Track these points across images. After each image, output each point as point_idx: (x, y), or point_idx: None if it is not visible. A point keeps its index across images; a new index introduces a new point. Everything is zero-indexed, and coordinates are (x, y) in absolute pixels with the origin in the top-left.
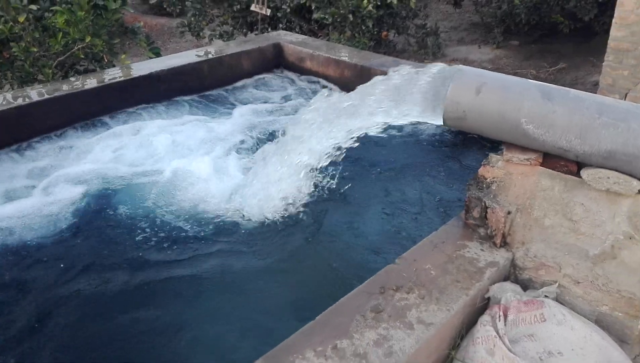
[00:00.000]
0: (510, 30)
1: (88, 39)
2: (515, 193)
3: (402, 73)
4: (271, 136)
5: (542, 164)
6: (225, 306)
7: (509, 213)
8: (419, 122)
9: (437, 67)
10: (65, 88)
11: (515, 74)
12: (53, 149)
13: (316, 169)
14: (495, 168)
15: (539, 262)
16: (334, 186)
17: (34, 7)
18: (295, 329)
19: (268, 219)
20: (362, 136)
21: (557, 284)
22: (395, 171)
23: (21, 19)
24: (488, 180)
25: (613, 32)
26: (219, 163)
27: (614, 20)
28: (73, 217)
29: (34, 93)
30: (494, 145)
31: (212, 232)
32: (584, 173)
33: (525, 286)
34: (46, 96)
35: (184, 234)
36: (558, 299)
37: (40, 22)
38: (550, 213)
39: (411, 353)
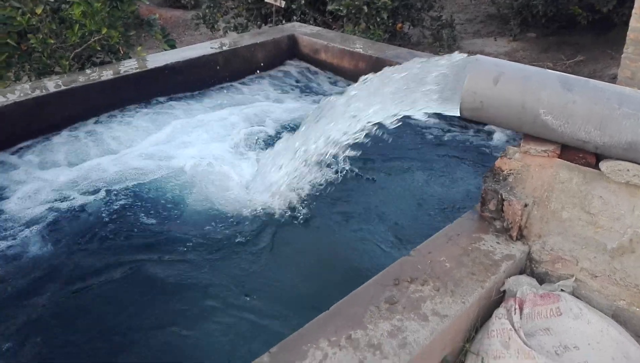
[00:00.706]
0: (527, 22)
1: (104, 30)
2: (532, 185)
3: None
4: (287, 127)
5: (560, 156)
6: (239, 296)
7: (525, 205)
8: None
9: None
10: (81, 80)
11: None
12: (69, 140)
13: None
14: (512, 159)
15: (555, 255)
16: (351, 176)
17: None
18: (310, 319)
19: (284, 208)
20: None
21: (574, 278)
22: (412, 162)
23: (38, 10)
24: (505, 172)
25: (632, 23)
26: (236, 155)
27: (633, 11)
28: (84, 209)
29: (52, 84)
30: (512, 137)
31: (231, 222)
32: (603, 165)
33: (542, 279)
34: (63, 88)
35: (205, 226)
36: (574, 293)
37: (57, 14)
38: (568, 205)
39: (425, 344)
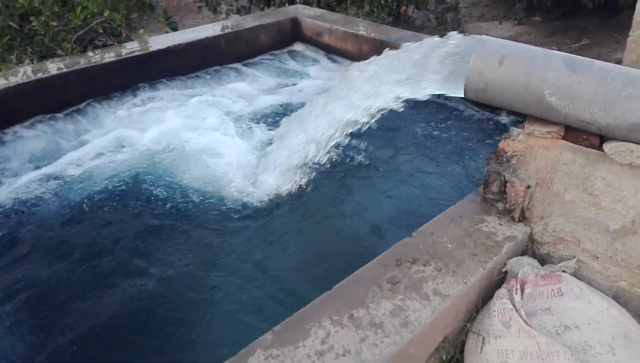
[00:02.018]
0: (532, 6)
1: (107, 13)
2: (535, 167)
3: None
4: (291, 108)
5: (564, 138)
6: (243, 276)
7: (528, 187)
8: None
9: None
10: (83, 62)
11: None
12: (72, 122)
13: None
14: (516, 141)
15: (557, 237)
16: (354, 157)
17: None
18: (312, 299)
19: (288, 188)
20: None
21: (576, 259)
22: (414, 144)
23: None
24: (508, 154)
25: (639, 5)
26: (239, 136)
27: None
28: (84, 192)
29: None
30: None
31: (233, 204)
32: (607, 146)
33: (543, 261)
34: (65, 70)
35: (202, 207)
36: (576, 274)
37: None
38: (570, 187)
39: (427, 323)
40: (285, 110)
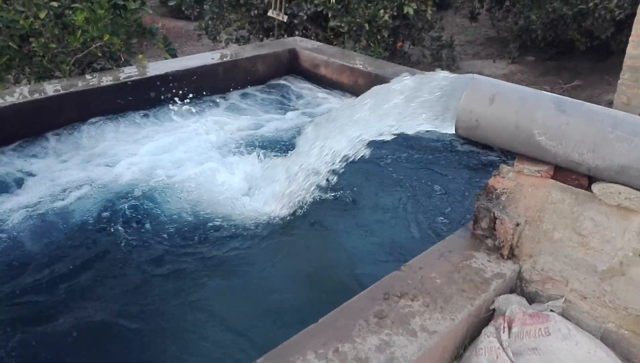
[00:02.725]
0: (526, 46)
1: (106, 37)
2: (525, 205)
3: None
4: (283, 140)
5: (553, 177)
6: (227, 305)
7: (517, 224)
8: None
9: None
10: (80, 85)
11: None
12: (68, 145)
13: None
14: (505, 178)
15: (546, 275)
16: (343, 190)
17: (55, 3)
18: (298, 330)
19: (276, 217)
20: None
21: (564, 298)
22: (405, 178)
23: (42, 15)
24: (498, 191)
25: (630, 50)
26: (232, 165)
27: (630, 38)
28: (82, 213)
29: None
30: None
31: (224, 231)
32: (595, 187)
33: (531, 299)
34: (62, 92)
35: (198, 232)
36: (564, 314)
37: (60, 19)
38: (559, 226)
39: (413, 360)
40: (280, 138)
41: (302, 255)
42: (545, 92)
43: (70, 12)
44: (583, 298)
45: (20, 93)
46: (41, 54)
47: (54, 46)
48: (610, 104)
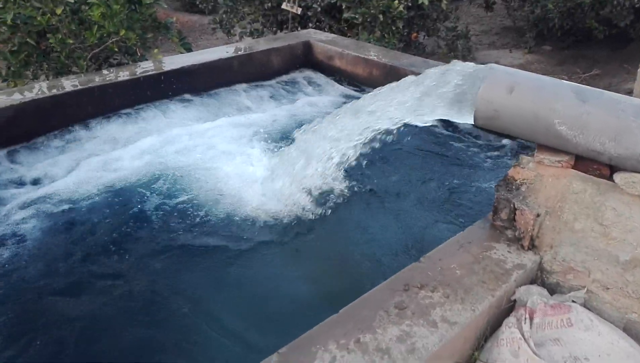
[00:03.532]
0: (542, 35)
1: (122, 32)
2: (545, 195)
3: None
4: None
5: (573, 167)
6: (247, 296)
7: (538, 215)
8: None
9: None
10: (98, 80)
11: None
12: (87, 139)
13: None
14: (525, 169)
15: (567, 266)
16: (360, 181)
17: None
18: (319, 321)
19: (295, 211)
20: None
21: (586, 289)
22: (423, 170)
23: (58, 11)
24: (518, 181)
25: None
26: (251, 156)
27: None
28: (92, 208)
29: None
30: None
31: (236, 223)
32: (617, 176)
33: (553, 290)
34: (80, 87)
35: (214, 225)
36: (586, 304)
37: (77, 15)
38: (580, 216)
39: (434, 351)
40: (295, 128)
41: (321, 246)
42: (564, 81)
43: (87, 8)
44: (605, 289)
45: (60, 85)
46: (58, 50)
47: (71, 41)
48: (629, 92)
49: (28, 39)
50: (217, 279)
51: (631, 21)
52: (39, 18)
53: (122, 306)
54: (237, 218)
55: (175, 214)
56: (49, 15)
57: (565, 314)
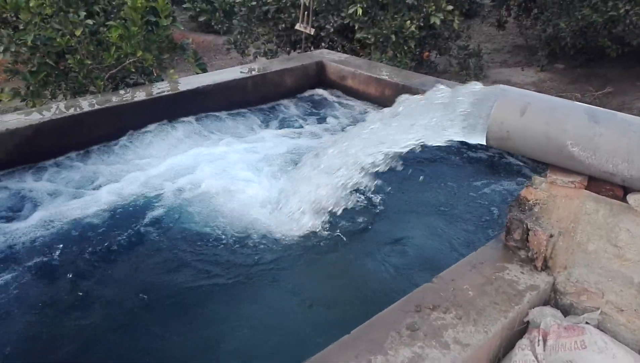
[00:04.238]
0: (555, 54)
1: (139, 53)
2: (558, 216)
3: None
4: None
5: (586, 188)
6: (256, 318)
7: (551, 236)
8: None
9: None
10: (115, 100)
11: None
12: (100, 159)
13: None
14: (538, 189)
15: (581, 287)
16: (371, 201)
17: (90, 21)
18: (330, 343)
19: (304, 231)
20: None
21: (599, 311)
22: (432, 189)
23: (78, 32)
24: (531, 202)
25: None
26: (263, 177)
27: None
28: (105, 225)
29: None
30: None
31: (251, 244)
32: (631, 198)
33: (566, 311)
34: (97, 107)
35: (222, 247)
36: (600, 326)
37: (95, 36)
38: (594, 237)
39: None
40: (306, 149)
41: (332, 267)
42: (577, 102)
43: (105, 30)
44: (620, 311)
45: (79, 105)
46: (76, 70)
47: (89, 62)
48: None
49: (47, 60)
50: (226, 299)
51: None
52: (58, 39)
53: (134, 325)
54: (249, 240)
55: (184, 235)
56: (68, 36)
57: (579, 336)
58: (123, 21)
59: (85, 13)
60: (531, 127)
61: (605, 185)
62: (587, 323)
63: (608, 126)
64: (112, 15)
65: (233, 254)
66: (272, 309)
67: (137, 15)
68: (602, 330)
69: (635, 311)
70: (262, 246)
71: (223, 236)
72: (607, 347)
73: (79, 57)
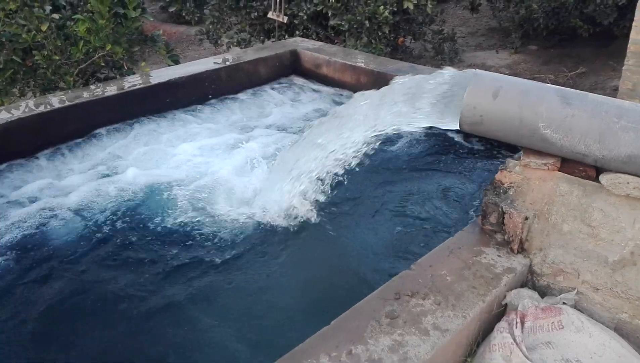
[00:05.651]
0: (528, 35)
1: (109, 47)
2: (532, 198)
3: None
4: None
5: (560, 169)
6: (237, 310)
7: (526, 218)
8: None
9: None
10: (86, 95)
11: (533, 79)
12: (74, 155)
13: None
14: (512, 172)
15: (557, 268)
16: (348, 189)
17: (56, 16)
18: (310, 334)
19: (282, 221)
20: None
21: (576, 291)
22: (410, 175)
23: (44, 27)
24: (505, 185)
25: (633, 35)
26: (240, 167)
27: (634, 24)
28: (90, 223)
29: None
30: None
31: (231, 234)
32: (603, 178)
33: (543, 292)
34: (67, 103)
35: (202, 236)
36: (576, 306)
37: (62, 31)
38: (568, 218)
39: (426, 359)
40: (284, 138)
41: (309, 257)
42: (549, 85)
43: (72, 24)
44: (595, 290)
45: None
46: (45, 66)
47: (57, 57)
48: (615, 90)
49: (14, 57)
50: (205, 289)
51: (614, 19)
52: (24, 35)
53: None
54: (232, 227)
55: (169, 227)
56: (34, 32)
57: (556, 317)
58: (90, 14)
59: (50, 7)
60: (504, 111)
61: (578, 166)
62: (564, 303)
63: (580, 107)
64: (79, 9)
65: (207, 243)
66: (249, 299)
67: (105, 8)
68: (578, 310)
69: (610, 290)
70: (234, 237)
71: (195, 226)
72: (583, 326)
73: (46, 52)
